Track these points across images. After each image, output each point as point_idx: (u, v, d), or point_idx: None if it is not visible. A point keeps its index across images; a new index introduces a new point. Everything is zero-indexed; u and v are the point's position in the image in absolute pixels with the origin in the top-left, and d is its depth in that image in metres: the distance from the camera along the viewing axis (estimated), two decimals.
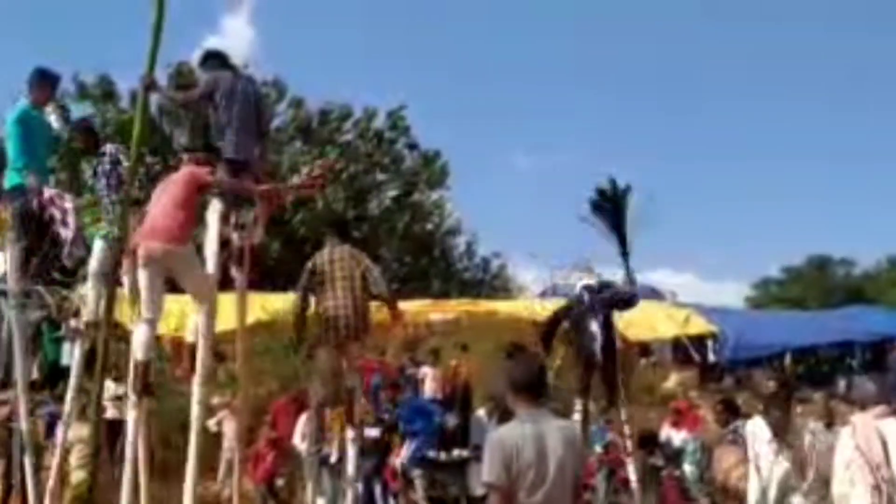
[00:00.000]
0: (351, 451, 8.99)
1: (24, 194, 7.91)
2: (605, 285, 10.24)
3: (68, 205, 8.09)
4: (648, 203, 10.63)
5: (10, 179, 7.98)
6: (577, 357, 10.12)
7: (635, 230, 10.42)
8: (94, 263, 8.37)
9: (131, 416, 7.74)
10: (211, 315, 7.85)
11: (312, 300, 8.82)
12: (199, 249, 8.00)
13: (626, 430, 10.31)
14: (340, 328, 8.59)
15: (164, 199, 7.63)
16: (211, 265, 8.00)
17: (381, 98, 42.36)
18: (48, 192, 8.10)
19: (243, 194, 7.99)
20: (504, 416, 6.33)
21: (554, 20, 62.54)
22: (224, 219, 8.08)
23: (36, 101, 8.13)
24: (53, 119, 8.28)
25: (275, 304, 18.02)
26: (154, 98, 10.34)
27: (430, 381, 15.16)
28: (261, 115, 8.40)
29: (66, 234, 7.96)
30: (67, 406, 8.87)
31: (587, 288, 10.17)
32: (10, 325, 8.33)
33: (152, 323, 7.56)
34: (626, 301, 10.31)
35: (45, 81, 8.23)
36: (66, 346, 11.94)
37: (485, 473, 4.88)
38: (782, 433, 8.01)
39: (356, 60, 50.66)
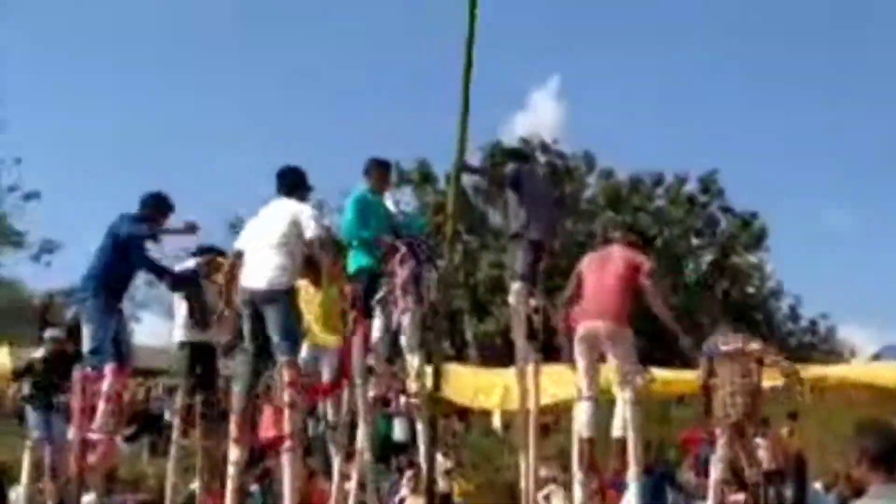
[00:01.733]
0: None
1: (367, 274, 8.13)
2: None
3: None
4: None
5: (356, 261, 8.22)
6: None
7: None
8: (408, 336, 8.55)
9: (577, 495, 7.91)
10: (635, 402, 7.79)
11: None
12: None
13: None
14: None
15: (607, 280, 7.76)
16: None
17: (693, 163, 41.75)
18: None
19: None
20: (857, 492, 5.93)
21: None
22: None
23: (373, 188, 8.53)
24: (390, 204, 8.64)
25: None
26: (468, 180, 10.72)
27: (762, 452, 14.51)
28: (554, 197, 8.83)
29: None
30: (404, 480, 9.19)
31: None
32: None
33: (592, 400, 7.72)
34: None
35: (380, 168, 8.67)
36: (396, 422, 12.38)
37: None
38: None
39: (663, 128, 50.30)
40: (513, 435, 14.72)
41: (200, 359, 9.11)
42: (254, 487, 13.39)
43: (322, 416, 13.03)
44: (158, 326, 32.24)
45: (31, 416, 10.48)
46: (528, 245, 8.40)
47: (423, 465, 10.48)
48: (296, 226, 7.01)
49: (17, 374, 10.79)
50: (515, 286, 8.43)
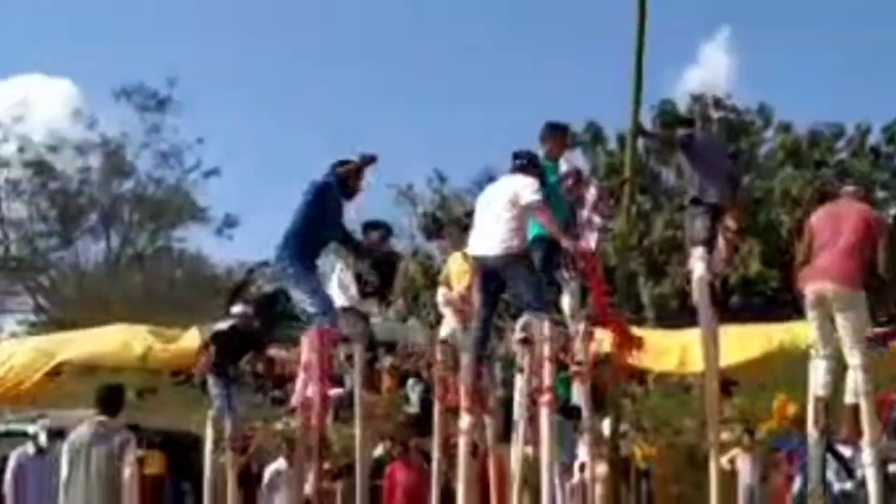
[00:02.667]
0: None
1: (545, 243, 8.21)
2: None
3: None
4: None
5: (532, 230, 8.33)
6: None
7: None
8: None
9: (812, 454, 7.90)
10: (866, 368, 7.63)
11: None
12: None
13: None
14: None
15: (841, 239, 7.65)
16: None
17: (875, 113, 39.97)
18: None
19: None
20: None
21: None
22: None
23: (549, 153, 8.53)
24: (564, 166, 8.64)
25: (778, 335, 17.50)
26: (641, 141, 10.58)
27: None
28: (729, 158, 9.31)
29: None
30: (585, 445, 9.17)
31: None
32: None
33: (828, 358, 7.66)
34: None
35: (556, 133, 8.67)
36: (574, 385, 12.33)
37: None
38: None
39: (842, 77, 48.19)
40: (692, 397, 14.49)
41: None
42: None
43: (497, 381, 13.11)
44: None
45: (213, 386, 10.90)
46: (706, 209, 8.49)
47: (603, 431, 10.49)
48: (516, 195, 7.46)
49: (204, 345, 11.21)
50: (696, 251, 8.41)
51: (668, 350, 14.46)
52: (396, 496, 12.40)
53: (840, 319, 7.53)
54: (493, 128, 47.94)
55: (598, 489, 10.82)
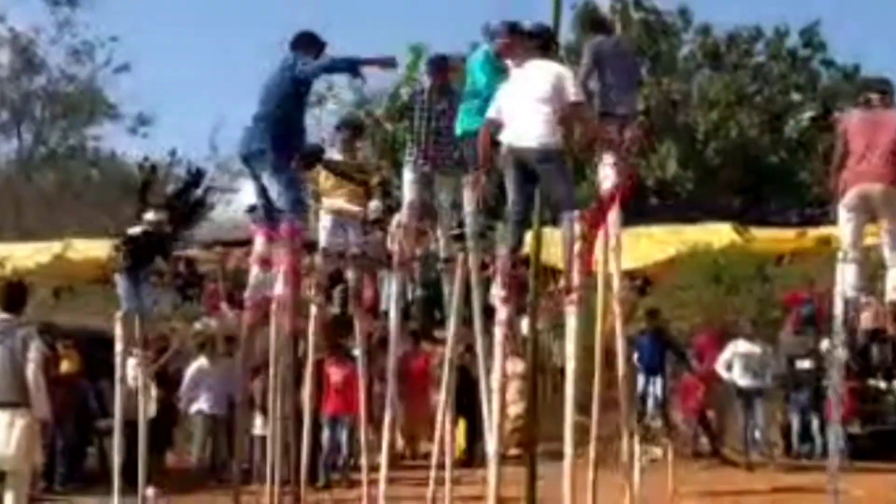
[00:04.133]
0: None
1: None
2: None
3: None
4: None
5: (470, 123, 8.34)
6: None
7: None
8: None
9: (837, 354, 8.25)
10: None
11: None
12: None
13: None
14: None
15: (881, 143, 7.87)
16: None
17: (793, 16, 40.18)
18: None
19: None
20: None
21: None
22: None
23: (499, 52, 8.47)
24: None
25: (692, 235, 17.88)
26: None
27: (867, 311, 14.37)
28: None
29: None
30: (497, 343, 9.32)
31: None
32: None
33: (858, 262, 7.86)
34: None
35: (515, 35, 8.68)
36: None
37: None
38: None
39: None
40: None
41: None
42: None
43: (418, 281, 13.27)
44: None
45: (122, 286, 10.86)
46: (615, 121, 8.56)
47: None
48: (558, 87, 7.13)
49: (115, 248, 11.16)
50: (607, 158, 8.56)
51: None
52: (330, 393, 12.87)
53: (887, 219, 7.87)
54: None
55: (516, 384, 11.04)
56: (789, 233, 19.20)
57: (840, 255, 7.94)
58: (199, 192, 31.96)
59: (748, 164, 27.21)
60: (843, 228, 8.03)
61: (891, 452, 13.00)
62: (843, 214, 7.99)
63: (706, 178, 26.90)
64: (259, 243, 8.64)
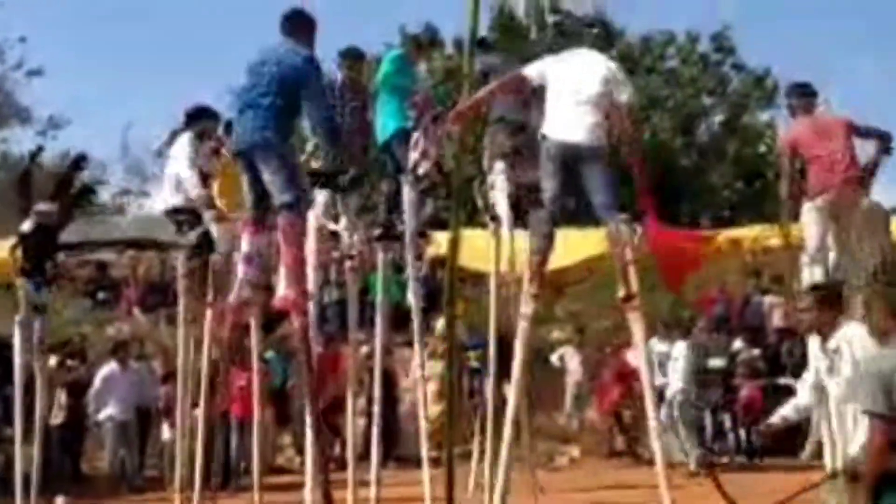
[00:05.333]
0: None
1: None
2: None
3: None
4: None
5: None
6: None
7: None
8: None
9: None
10: None
11: None
12: None
13: None
14: None
15: (838, 148, 8.05)
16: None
17: (706, 22, 40.83)
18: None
19: None
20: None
21: None
22: None
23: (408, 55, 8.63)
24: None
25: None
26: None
27: (777, 311, 14.71)
28: None
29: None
30: (416, 345, 9.34)
31: None
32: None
33: (823, 263, 7.90)
34: None
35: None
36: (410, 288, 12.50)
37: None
38: None
39: None
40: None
41: None
42: (270, 354, 13.63)
43: (336, 283, 13.21)
44: None
45: (22, 289, 10.59)
46: (507, 127, 9.06)
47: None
48: (609, 85, 7.04)
49: (12, 250, 10.86)
50: (498, 166, 9.16)
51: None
52: (237, 397, 12.61)
53: (858, 224, 7.94)
54: None
55: (431, 386, 11.02)
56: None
57: (805, 257, 8.02)
58: (83, 176, 31.34)
59: (660, 167, 27.60)
60: (809, 229, 8.05)
61: (797, 448, 13.21)
62: (812, 216, 8.02)
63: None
64: (246, 242, 8.39)
